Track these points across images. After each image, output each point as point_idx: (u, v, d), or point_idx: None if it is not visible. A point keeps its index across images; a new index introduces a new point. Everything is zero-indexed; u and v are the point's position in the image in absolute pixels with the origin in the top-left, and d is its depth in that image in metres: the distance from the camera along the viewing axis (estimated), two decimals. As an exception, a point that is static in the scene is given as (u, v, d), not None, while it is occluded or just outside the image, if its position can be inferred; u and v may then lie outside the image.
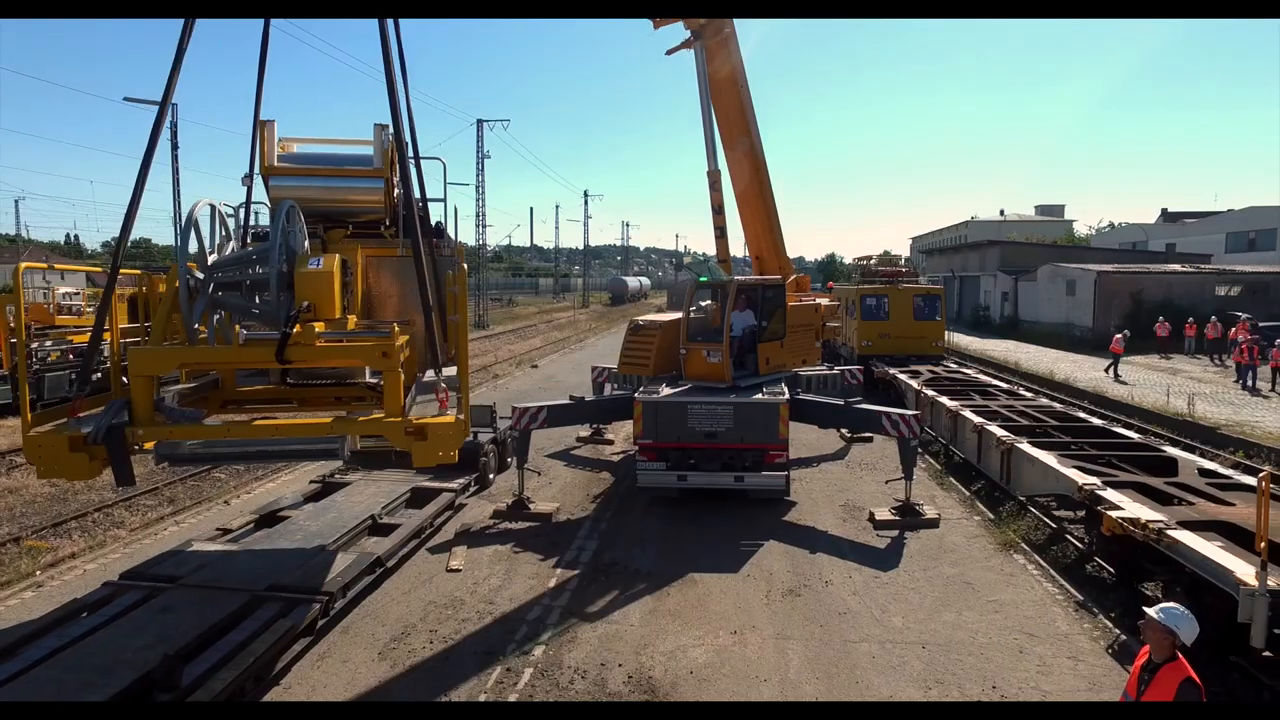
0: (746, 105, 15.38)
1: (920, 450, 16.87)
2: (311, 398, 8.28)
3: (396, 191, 8.61)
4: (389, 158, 8.30)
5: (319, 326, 6.60)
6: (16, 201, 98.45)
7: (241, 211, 8.49)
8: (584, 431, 18.04)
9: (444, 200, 9.96)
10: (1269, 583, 6.65)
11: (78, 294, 28.12)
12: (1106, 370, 27.15)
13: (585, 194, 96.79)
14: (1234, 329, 30.40)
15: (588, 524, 12.17)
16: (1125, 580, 9.60)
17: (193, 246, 6.68)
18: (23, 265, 6.84)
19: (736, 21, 14.96)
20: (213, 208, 7.33)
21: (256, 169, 8.21)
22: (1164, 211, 73.76)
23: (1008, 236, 68.24)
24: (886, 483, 13.31)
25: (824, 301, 17.60)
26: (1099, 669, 7.59)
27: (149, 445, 6.70)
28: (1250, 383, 24.10)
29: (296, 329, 6.36)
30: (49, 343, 22.47)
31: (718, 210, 15.59)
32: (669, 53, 15.54)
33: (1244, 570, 6.89)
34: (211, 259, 6.98)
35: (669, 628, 8.57)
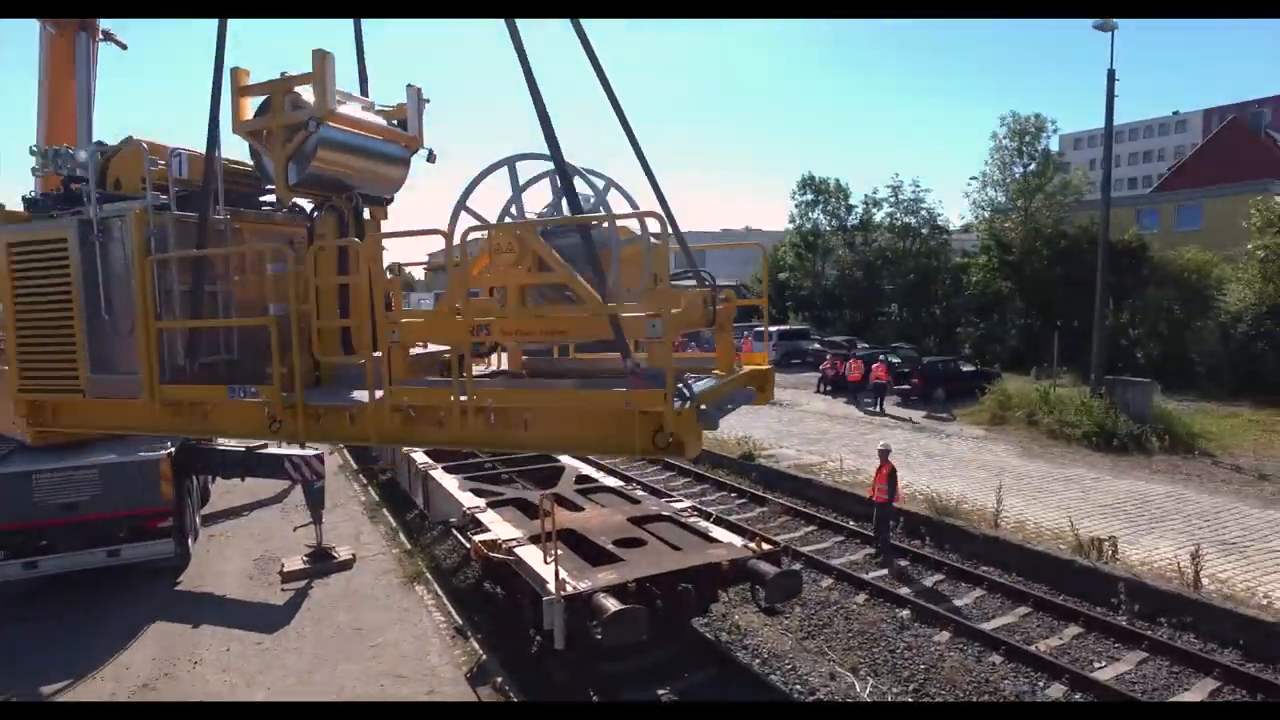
0: None
1: (365, 482, 16.61)
2: None
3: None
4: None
5: None
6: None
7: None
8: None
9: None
10: (567, 588, 7.49)
11: None
12: None
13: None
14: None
15: None
16: (508, 594, 10.29)
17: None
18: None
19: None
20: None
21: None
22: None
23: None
24: (295, 529, 12.47)
25: None
26: (452, 696, 7.83)
27: None
28: None
29: None
30: None
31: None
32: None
33: (552, 584, 7.61)
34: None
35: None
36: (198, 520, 12.94)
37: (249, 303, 7.07)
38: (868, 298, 43.98)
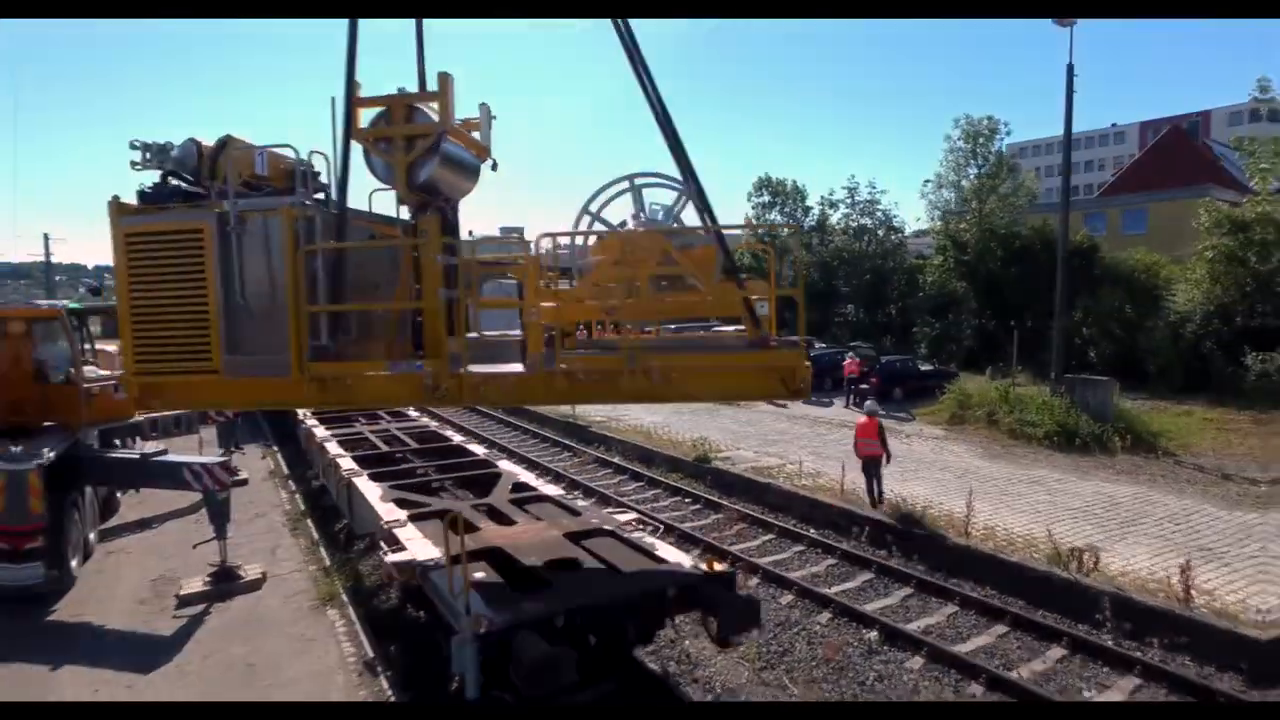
0: None
1: (295, 489, 15.22)
2: None
3: None
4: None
5: None
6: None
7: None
8: None
9: None
10: (483, 624, 6.34)
11: None
12: None
13: None
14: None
15: None
16: (434, 620, 9.11)
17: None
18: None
19: None
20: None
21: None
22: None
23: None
24: (195, 546, 11.02)
25: None
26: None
27: None
28: None
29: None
30: None
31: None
32: None
33: (464, 619, 6.44)
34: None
35: None
36: (91, 536, 11.47)
37: (361, 291, 7.73)
38: (824, 298, 43.60)
